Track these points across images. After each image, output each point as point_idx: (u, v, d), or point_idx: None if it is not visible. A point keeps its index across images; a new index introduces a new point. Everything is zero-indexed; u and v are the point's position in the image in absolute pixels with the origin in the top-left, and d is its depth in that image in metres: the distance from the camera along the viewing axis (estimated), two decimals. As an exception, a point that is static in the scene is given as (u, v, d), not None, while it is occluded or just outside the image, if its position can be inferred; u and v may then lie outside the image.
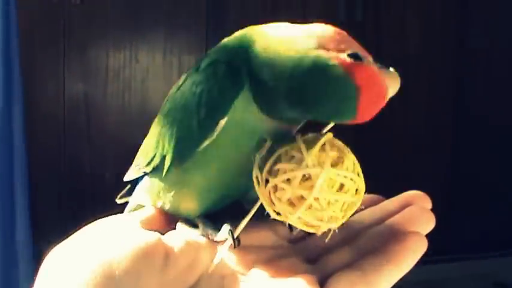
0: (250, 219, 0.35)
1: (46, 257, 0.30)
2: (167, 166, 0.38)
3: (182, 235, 0.33)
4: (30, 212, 1.25)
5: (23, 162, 1.22)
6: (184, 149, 0.36)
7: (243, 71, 0.33)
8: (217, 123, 0.34)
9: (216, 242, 0.34)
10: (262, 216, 0.34)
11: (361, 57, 0.31)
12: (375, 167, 1.66)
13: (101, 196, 1.49)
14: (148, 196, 0.40)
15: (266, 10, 1.65)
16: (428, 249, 0.33)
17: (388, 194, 0.39)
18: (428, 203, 0.37)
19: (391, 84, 0.32)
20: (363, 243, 0.34)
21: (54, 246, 0.30)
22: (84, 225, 0.32)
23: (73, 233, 0.31)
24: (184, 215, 0.38)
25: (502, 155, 2.03)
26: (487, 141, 2.00)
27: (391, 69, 0.33)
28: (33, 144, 1.31)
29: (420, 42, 1.86)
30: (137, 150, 0.41)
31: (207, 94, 0.34)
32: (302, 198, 0.32)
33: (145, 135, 0.40)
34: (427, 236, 0.34)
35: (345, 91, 0.31)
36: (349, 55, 0.31)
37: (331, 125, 0.34)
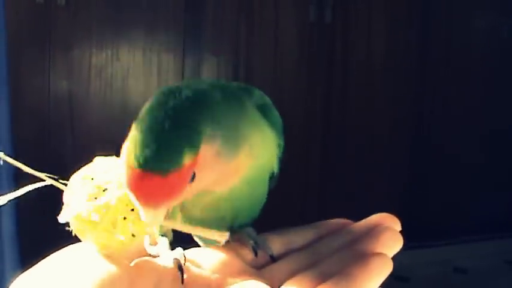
0: (214, 244, 0.35)
1: (10, 286, 0.28)
2: None
3: (148, 261, 0.33)
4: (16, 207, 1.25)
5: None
6: None
7: None
8: None
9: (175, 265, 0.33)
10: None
11: None
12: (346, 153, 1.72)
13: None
14: None
15: (241, 11, 1.69)
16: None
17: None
18: (397, 225, 0.35)
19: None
20: (327, 267, 0.33)
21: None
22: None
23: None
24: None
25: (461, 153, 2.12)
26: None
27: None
28: (18, 139, 1.33)
29: (386, 44, 1.93)
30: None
31: None
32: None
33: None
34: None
35: None
36: None
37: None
